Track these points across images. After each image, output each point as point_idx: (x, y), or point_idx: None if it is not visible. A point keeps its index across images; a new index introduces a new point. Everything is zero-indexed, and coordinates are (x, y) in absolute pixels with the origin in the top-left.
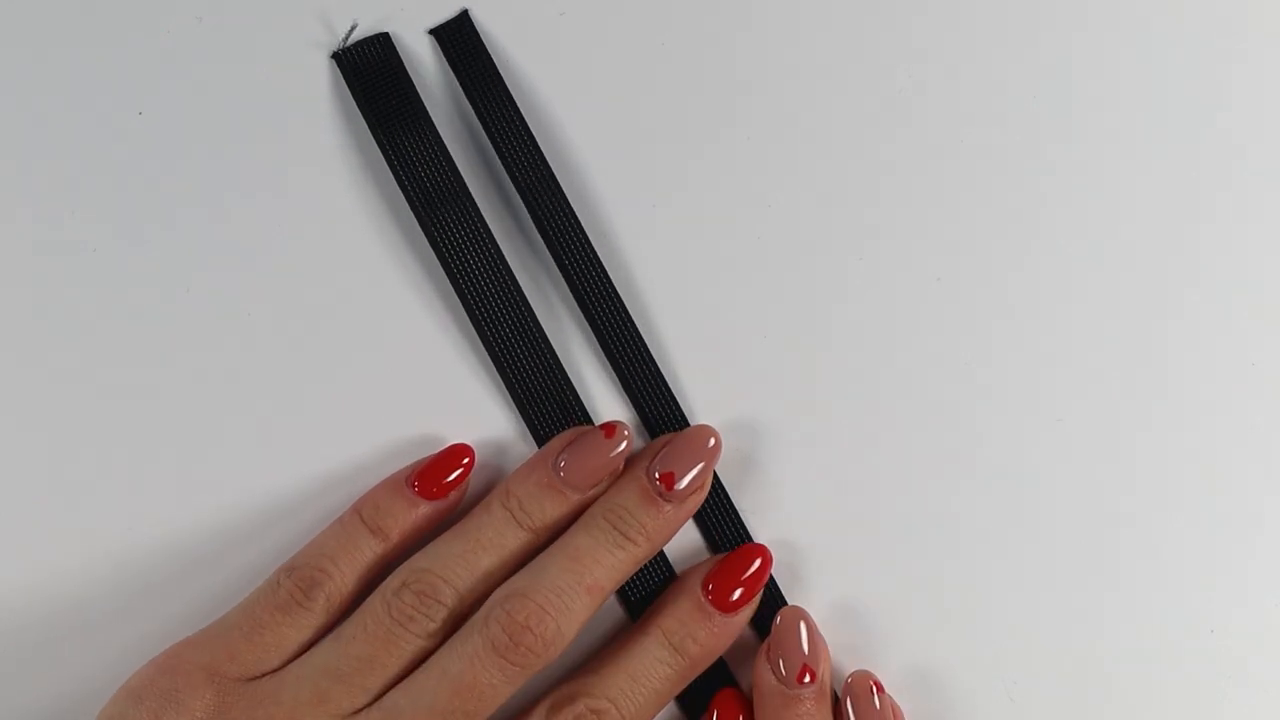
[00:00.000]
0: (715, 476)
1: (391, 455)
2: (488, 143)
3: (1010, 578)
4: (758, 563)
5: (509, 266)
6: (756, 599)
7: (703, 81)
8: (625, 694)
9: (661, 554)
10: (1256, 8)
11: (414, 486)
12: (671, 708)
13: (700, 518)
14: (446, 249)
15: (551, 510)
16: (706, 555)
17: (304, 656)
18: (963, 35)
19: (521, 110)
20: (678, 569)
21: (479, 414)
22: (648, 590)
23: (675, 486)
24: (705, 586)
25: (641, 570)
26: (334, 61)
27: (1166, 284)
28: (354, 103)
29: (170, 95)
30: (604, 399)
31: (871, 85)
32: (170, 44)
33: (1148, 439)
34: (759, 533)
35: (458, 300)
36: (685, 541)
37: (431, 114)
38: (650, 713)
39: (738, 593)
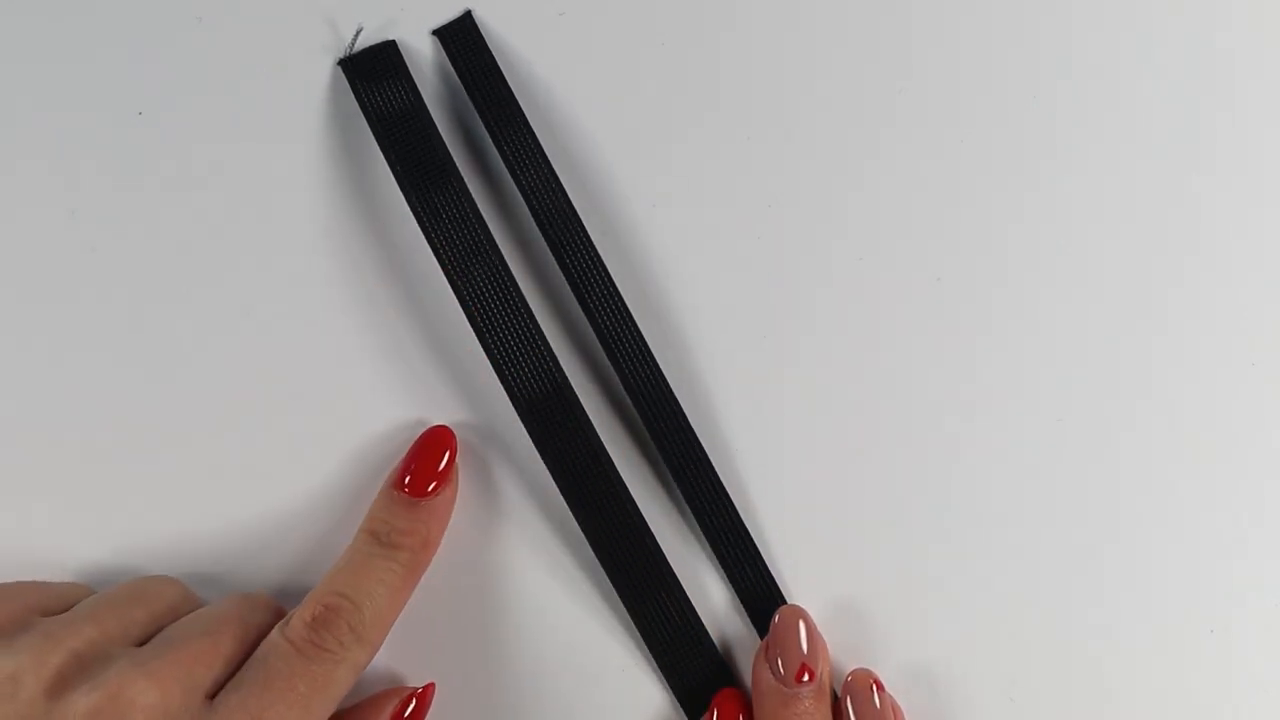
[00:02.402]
0: (714, 475)
1: (392, 457)
2: (490, 142)
3: (1010, 577)
4: (446, 455)
5: (509, 267)
6: (453, 482)
7: (703, 81)
8: (354, 587)
9: (684, 591)
10: (1256, 8)
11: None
12: (670, 707)
13: (702, 519)
14: (447, 250)
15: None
16: (709, 558)
17: None
18: (963, 35)
19: (524, 109)
20: (687, 585)
21: (482, 413)
22: (675, 642)
23: (424, 489)
24: (401, 483)
25: (669, 626)
26: (340, 68)
27: (1167, 284)
28: (354, 101)
29: (170, 95)
30: (602, 395)
31: (872, 85)
32: (170, 44)
33: (1148, 439)
34: (760, 532)
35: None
36: (688, 547)
37: (433, 113)
38: (387, 605)
39: (432, 485)
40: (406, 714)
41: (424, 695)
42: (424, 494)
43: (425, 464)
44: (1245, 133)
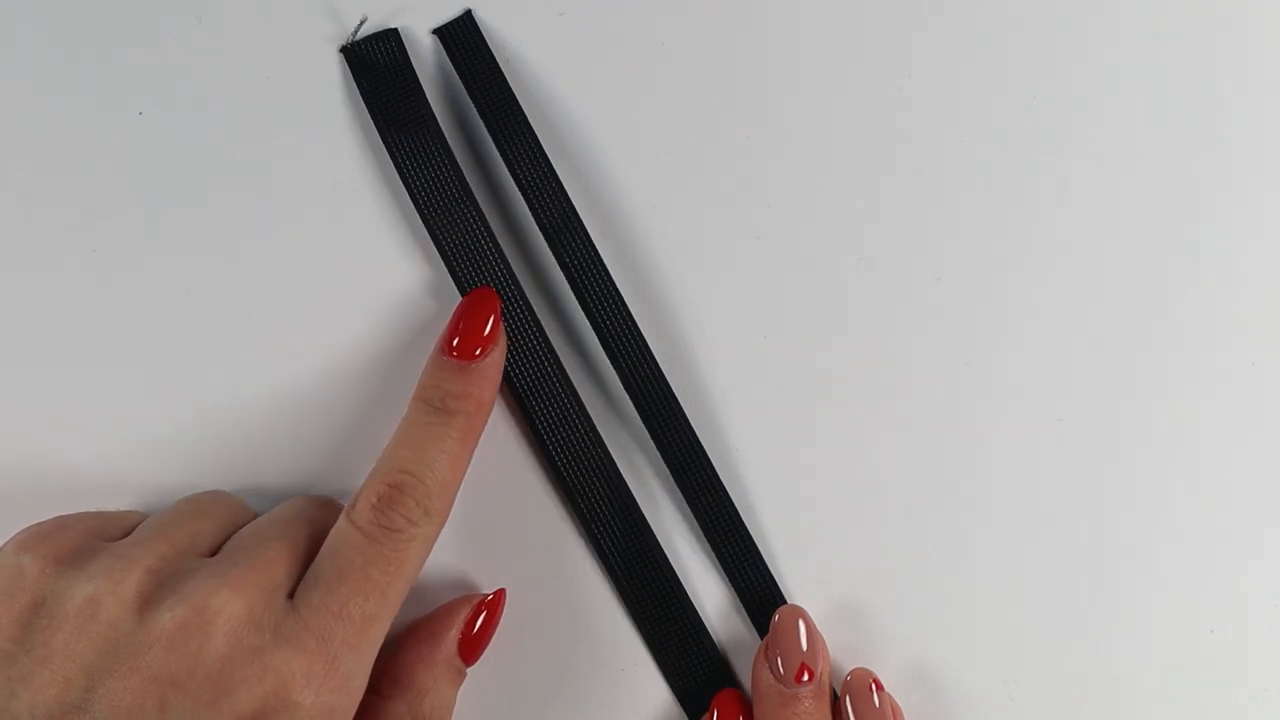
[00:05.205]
0: (714, 475)
1: None
2: (490, 141)
3: (1010, 577)
4: (491, 317)
5: (510, 265)
6: (501, 343)
7: (703, 81)
8: (414, 461)
9: (684, 591)
10: (1256, 8)
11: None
12: (671, 708)
13: (702, 519)
14: (449, 247)
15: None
16: (709, 558)
17: None
18: (962, 35)
19: (524, 109)
20: (687, 585)
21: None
22: (675, 642)
23: (472, 352)
24: (449, 347)
25: (669, 626)
26: (341, 57)
27: (1166, 284)
28: (355, 100)
29: (170, 95)
30: (602, 394)
31: (871, 85)
32: (170, 44)
33: (1148, 439)
34: (760, 532)
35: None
36: (688, 547)
37: (434, 113)
38: (450, 473)
39: (479, 349)
40: (478, 623)
41: (494, 603)
42: (472, 357)
43: (471, 327)
44: (1245, 133)
